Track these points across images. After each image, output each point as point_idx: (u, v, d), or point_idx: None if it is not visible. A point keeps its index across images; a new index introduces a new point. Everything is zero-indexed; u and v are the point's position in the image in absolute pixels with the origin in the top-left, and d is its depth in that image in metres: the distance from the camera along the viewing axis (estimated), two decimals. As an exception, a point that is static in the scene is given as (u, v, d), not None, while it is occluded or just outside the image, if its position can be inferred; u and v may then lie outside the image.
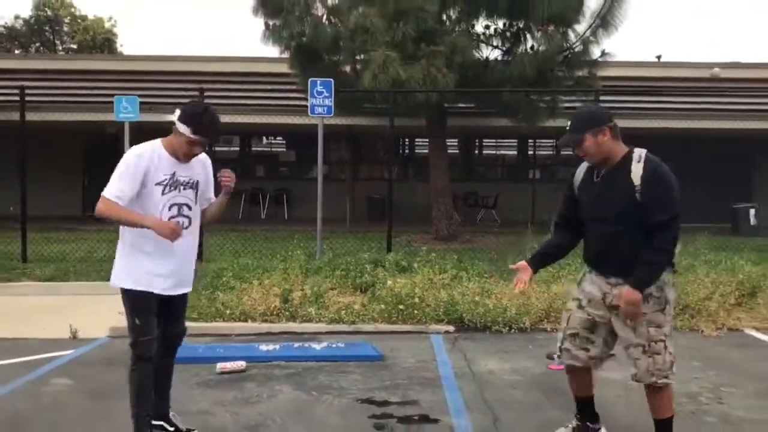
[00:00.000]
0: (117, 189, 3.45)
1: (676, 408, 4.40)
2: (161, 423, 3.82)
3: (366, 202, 18.19)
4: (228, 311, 6.94)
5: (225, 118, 12.52)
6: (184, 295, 3.83)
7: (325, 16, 11.31)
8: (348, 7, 11.18)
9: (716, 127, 16.42)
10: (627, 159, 3.37)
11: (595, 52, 12.16)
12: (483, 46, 12.61)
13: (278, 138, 20.97)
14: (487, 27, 12.39)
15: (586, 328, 3.61)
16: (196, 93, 10.99)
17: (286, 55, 12.36)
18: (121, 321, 6.76)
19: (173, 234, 3.46)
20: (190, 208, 3.69)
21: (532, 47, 12.19)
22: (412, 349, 6.05)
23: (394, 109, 10.27)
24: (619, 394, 4.68)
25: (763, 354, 5.96)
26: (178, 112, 3.59)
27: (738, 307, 7.08)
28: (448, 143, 15.22)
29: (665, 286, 3.40)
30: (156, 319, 3.65)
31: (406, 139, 20.44)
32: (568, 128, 3.47)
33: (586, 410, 3.86)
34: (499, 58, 12.68)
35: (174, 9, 58.15)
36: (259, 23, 11.41)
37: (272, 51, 12.41)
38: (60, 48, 36.18)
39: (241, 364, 5.38)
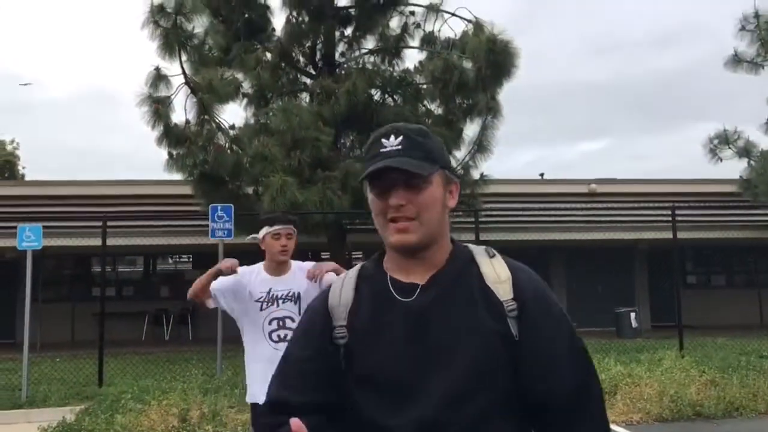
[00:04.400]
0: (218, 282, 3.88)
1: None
2: None
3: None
4: (126, 432, 7.13)
5: (129, 241, 12.81)
6: None
7: (227, 145, 12.11)
8: (248, 137, 12.04)
9: (595, 239, 17.93)
10: (464, 254, 1.60)
11: (476, 174, 13.47)
12: (376, 169, 13.69)
13: (183, 257, 21.18)
14: (378, 153, 13.53)
15: None
16: (100, 216, 11.38)
17: (190, 179, 12.98)
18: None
19: (227, 265, 3.81)
20: (293, 320, 3.79)
21: (420, 170, 13.36)
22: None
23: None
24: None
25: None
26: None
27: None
28: (354, 256, 15.92)
29: None
30: None
31: (310, 254, 21.10)
32: (397, 144, 1.55)
33: None
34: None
35: (76, 135, 58.18)
36: (161, 152, 12.07)
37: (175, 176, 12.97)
38: (-42, 170, 35.45)
39: (137, 482, 5.64)
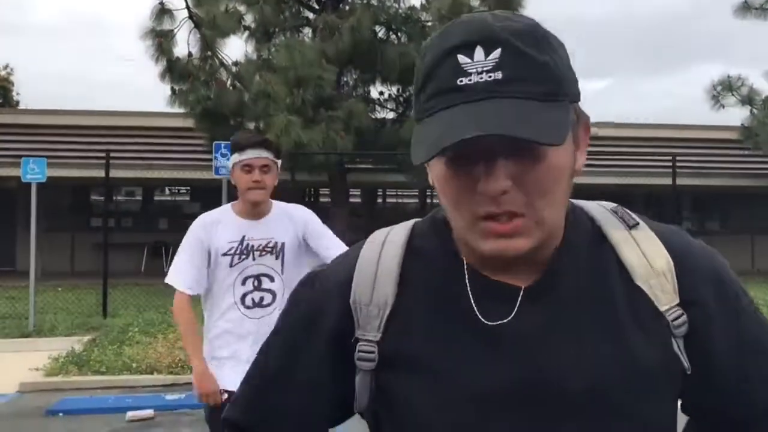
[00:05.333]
0: (183, 275, 2.88)
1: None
2: None
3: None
4: (135, 364, 7.35)
5: (131, 173, 12.83)
6: None
7: (229, 82, 12.01)
8: (250, 73, 11.93)
9: (593, 182, 17.99)
10: (586, 226, 0.94)
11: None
12: (378, 109, 13.67)
13: (182, 189, 21.24)
14: (381, 93, 13.49)
15: None
16: (102, 148, 11.39)
17: (193, 112, 12.93)
18: (30, 376, 7.10)
19: (205, 397, 2.81)
20: (272, 279, 2.91)
21: (423, 111, 13.37)
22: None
23: (296, 168, 11.05)
24: None
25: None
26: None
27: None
28: (351, 193, 16.06)
29: None
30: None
31: (311, 190, 21.18)
32: (491, 65, 0.78)
33: None
34: (394, 118, 13.80)
35: (68, 61, 57.25)
36: (164, 87, 11.99)
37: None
38: (-48, 95, 35.01)
39: (149, 413, 5.86)
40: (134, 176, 15.17)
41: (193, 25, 11.29)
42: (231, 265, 2.87)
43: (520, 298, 0.87)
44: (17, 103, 34.36)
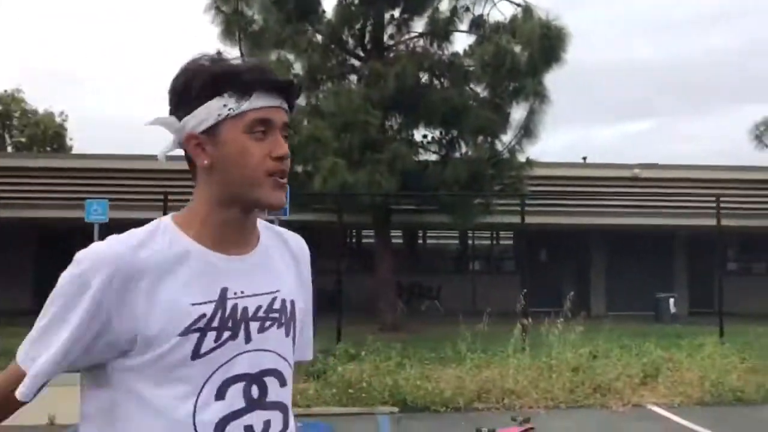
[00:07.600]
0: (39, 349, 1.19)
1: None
2: None
3: (317, 293, 18.92)
4: None
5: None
6: None
7: (280, 128, 12.52)
8: (300, 120, 12.44)
9: (637, 224, 17.99)
10: None
11: (522, 157, 13.69)
12: (422, 151, 14.04)
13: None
14: (424, 136, 13.89)
15: None
16: (161, 192, 11.87)
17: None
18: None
19: None
20: (282, 381, 1.28)
21: (466, 153, 13.66)
22: (360, 428, 6.87)
23: (343, 209, 11.41)
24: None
25: (655, 425, 7.02)
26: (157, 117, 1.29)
27: (643, 385, 8.16)
28: (393, 234, 16.38)
29: None
30: None
31: (354, 231, 21.54)
32: None
33: None
34: (437, 160, 14.14)
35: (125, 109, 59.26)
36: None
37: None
38: (9, 141, 36.62)
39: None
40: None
41: (247, 74, 11.86)
42: (195, 356, 1.18)
43: None
44: (71, 148, 35.77)
